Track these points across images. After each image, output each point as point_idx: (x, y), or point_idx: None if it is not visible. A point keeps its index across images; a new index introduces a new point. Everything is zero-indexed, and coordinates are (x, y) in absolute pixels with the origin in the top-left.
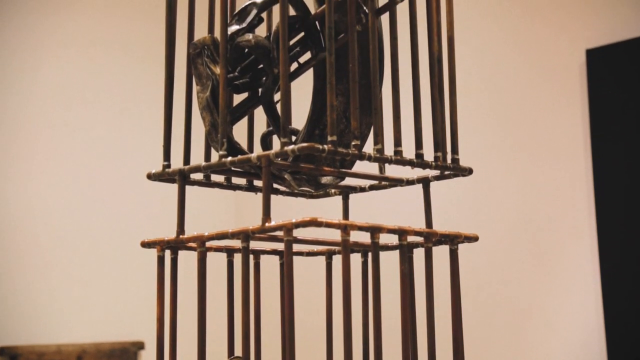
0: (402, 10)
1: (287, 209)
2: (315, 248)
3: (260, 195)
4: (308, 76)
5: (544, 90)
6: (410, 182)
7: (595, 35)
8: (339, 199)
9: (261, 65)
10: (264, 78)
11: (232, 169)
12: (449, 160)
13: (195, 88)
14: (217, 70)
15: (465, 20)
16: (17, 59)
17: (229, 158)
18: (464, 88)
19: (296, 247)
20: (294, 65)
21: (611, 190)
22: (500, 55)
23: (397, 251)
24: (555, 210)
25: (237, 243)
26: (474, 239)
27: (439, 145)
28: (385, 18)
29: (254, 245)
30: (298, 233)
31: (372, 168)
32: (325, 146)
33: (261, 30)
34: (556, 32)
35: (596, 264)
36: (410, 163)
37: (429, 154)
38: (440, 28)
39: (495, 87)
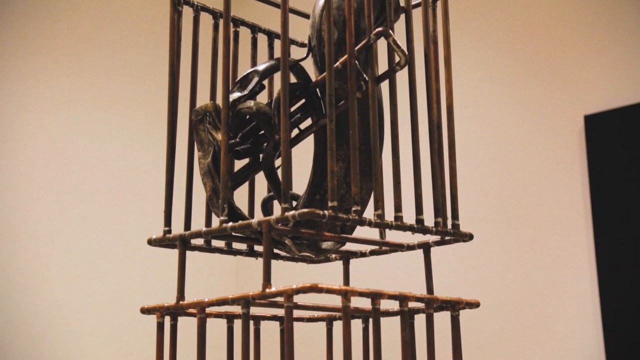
0: (402, 78)
1: (288, 274)
2: (316, 314)
3: (260, 260)
4: (309, 142)
5: (544, 156)
6: (410, 248)
7: (594, 101)
8: (339, 264)
9: (262, 132)
10: (265, 144)
11: (233, 234)
12: (449, 226)
13: (196, 154)
14: (219, 136)
15: (465, 87)
16: (13, 120)
17: (230, 223)
18: (464, 154)
19: (297, 313)
20: (295, 132)
21: (612, 254)
22: (499, 121)
23: (399, 317)
24: (556, 276)
25: (237, 309)
26: (476, 305)
27: (439, 210)
28: (385, 85)
29: (254, 311)
30: (298, 299)
31: (373, 233)
32: (326, 212)
33: (262, 97)
34: (554, 98)
35: (599, 331)
36: (410, 228)
37: (429, 220)
38: (439, 96)
39: (495, 152)
